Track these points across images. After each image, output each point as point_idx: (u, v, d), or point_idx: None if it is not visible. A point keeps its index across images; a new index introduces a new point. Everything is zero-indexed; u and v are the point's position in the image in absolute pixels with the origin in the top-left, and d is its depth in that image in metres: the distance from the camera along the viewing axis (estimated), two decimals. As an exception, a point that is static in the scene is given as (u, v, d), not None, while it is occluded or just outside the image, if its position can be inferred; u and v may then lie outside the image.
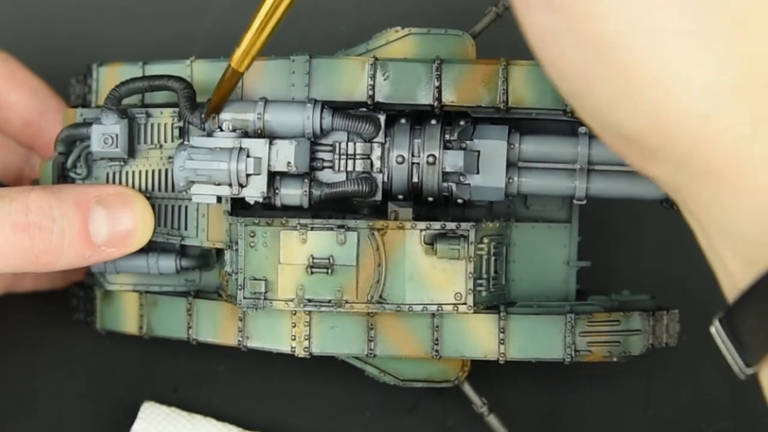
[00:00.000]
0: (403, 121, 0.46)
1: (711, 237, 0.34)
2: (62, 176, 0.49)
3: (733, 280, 0.33)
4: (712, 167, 0.31)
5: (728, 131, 0.30)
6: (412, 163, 0.46)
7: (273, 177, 0.45)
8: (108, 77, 0.50)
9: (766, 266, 0.31)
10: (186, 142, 0.46)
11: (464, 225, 0.45)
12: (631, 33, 0.30)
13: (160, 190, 0.48)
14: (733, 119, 0.30)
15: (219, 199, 0.45)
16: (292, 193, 0.45)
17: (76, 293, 0.54)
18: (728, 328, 0.33)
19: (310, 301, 0.45)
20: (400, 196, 0.46)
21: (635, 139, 0.33)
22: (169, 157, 0.47)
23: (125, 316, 0.51)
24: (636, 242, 0.57)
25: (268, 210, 0.47)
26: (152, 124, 0.48)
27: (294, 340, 0.46)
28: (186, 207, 0.48)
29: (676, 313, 0.49)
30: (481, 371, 0.49)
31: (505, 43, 0.49)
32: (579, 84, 0.33)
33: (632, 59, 0.31)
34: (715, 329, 0.34)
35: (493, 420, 0.49)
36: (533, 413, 0.55)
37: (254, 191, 0.44)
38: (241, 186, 0.44)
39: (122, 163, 0.48)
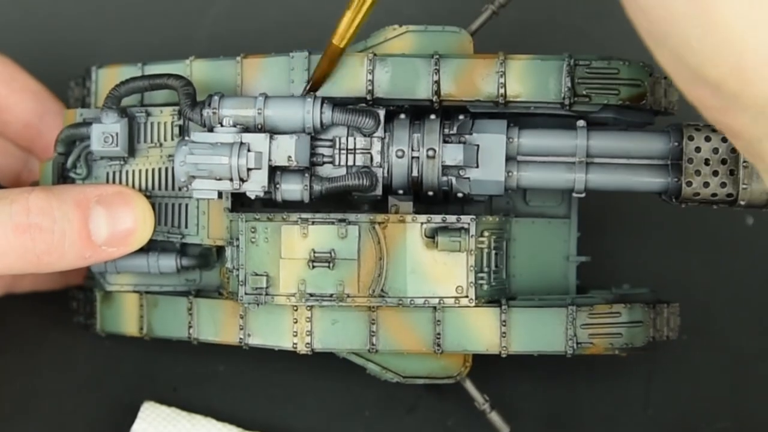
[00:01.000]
0: (402, 116, 0.46)
1: None
2: (62, 176, 0.49)
3: None
4: None
5: None
6: (412, 157, 0.46)
7: (273, 172, 0.45)
8: (107, 79, 0.50)
9: None
10: (187, 138, 0.46)
11: (465, 218, 0.45)
12: None
13: (160, 188, 0.48)
14: None
15: (220, 194, 0.45)
16: (292, 188, 0.45)
17: (76, 296, 0.54)
18: None
19: (311, 295, 0.45)
20: (400, 191, 0.46)
21: (715, 84, 0.32)
22: (169, 156, 0.47)
23: (125, 317, 0.51)
24: (635, 238, 0.57)
25: (268, 207, 0.47)
26: (152, 123, 0.48)
27: (296, 336, 0.46)
28: (186, 205, 0.48)
29: (676, 306, 0.50)
30: (481, 371, 0.49)
31: (502, 40, 0.50)
32: (662, 21, 0.32)
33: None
34: None
35: (494, 417, 0.49)
36: (533, 412, 0.55)
37: (255, 186, 0.44)
38: (242, 181, 0.44)
39: (122, 162, 0.48)
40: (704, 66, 0.31)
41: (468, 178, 0.46)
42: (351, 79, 0.46)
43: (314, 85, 0.45)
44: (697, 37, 0.31)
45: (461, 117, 0.46)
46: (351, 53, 0.46)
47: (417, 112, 0.47)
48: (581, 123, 0.46)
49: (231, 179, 0.44)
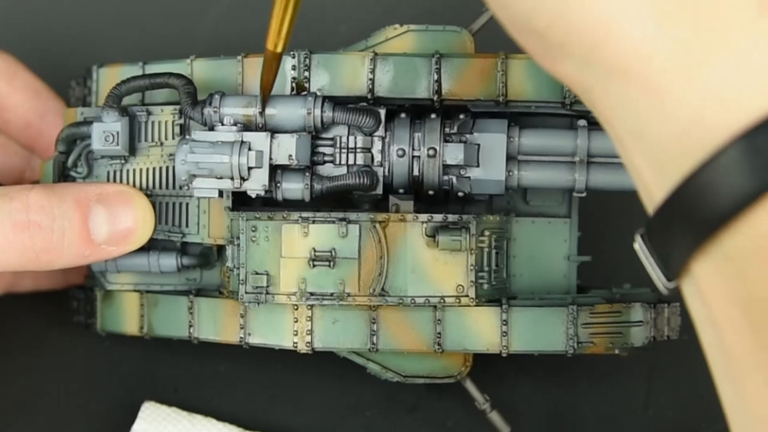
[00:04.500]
0: (403, 115, 0.46)
1: (623, 142, 0.33)
2: (63, 175, 0.49)
3: (649, 191, 0.32)
4: (617, 64, 0.31)
5: (632, 27, 0.30)
6: (413, 157, 0.46)
7: (274, 171, 0.45)
8: (108, 78, 0.50)
9: (679, 177, 0.30)
10: (188, 137, 0.46)
11: (466, 216, 0.45)
12: None
13: (161, 187, 0.48)
14: (638, 15, 0.30)
15: (221, 193, 0.45)
16: (293, 187, 0.45)
17: (76, 296, 0.54)
18: (649, 243, 0.33)
19: (312, 294, 0.45)
20: (401, 190, 0.46)
21: (542, 32, 0.32)
22: (170, 155, 0.48)
23: (126, 317, 0.51)
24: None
25: (269, 205, 0.47)
26: (153, 122, 0.48)
27: (296, 335, 0.46)
28: (187, 204, 0.48)
29: (677, 306, 0.50)
30: (481, 371, 0.49)
31: (503, 39, 0.49)
32: None
33: None
34: (638, 244, 0.33)
35: (495, 417, 0.49)
36: (533, 412, 0.55)
37: (256, 184, 0.44)
38: (243, 179, 0.44)
39: (123, 161, 0.48)
40: (531, 15, 0.32)
41: (469, 177, 0.46)
42: (352, 78, 0.46)
43: (263, 93, 0.45)
44: None
45: (462, 116, 0.46)
46: (352, 52, 0.47)
47: (418, 112, 0.47)
48: (582, 122, 0.46)
49: (232, 178, 0.44)
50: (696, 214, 0.30)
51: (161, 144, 0.48)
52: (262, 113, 0.45)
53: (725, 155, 0.29)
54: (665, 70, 0.30)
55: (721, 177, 0.29)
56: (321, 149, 0.46)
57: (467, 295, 0.45)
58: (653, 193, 0.32)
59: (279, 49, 0.42)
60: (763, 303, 0.29)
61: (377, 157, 0.46)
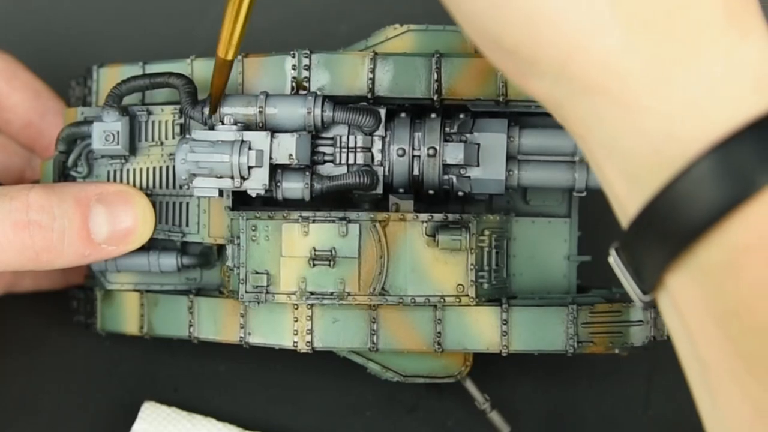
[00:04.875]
0: (403, 114, 0.46)
1: (595, 156, 0.33)
2: (63, 175, 0.49)
3: (622, 204, 0.33)
4: (587, 79, 0.31)
5: (601, 42, 0.30)
6: (413, 156, 0.46)
7: (274, 170, 0.45)
8: (108, 78, 0.50)
9: (652, 190, 0.30)
10: (188, 136, 0.46)
11: (466, 216, 0.45)
12: None
13: (161, 187, 0.48)
14: (606, 30, 0.30)
15: (221, 192, 0.45)
16: (293, 186, 0.45)
17: (77, 295, 0.54)
18: (624, 257, 0.33)
19: (312, 293, 0.45)
20: (401, 189, 0.46)
21: (512, 51, 0.32)
22: (170, 154, 0.48)
23: (126, 316, 0.51)
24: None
25: (269, 204, 0.47)
26: (153, 122, 0.48)
27: (296, 334, 0.46)
28: (187, 203, 0.48)
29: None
30: (481, 371, 0.49)
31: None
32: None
33: None
34: (613, 258, 0.33)
35: (495, 416, 0.49)
36: (533, 413, 0.55)
37: (256, 184, 0.44)
38: (243, 179, 0.44)
39: (123, 161, 0.48)
40: (500, 33, 0.31)
41: (469, 176, 0.46)
42: (352, 77, 0.46)
43: (213, 100, 0.45)
44: (493, 4, 0.31)
45: (462, 116, 0.46)
46: (352, 52, 0.47)
47: (418, 111, 0.47)
48: (582, 122, 0.46)
49: (232, 177, 0.44)
50: (670, 228, 0.30)
51: (161, 143, 0.48)
52: (209, 118, 0.45)
53: (697, 168, 0.29)
54: (635, 84, 0.30)
55: (694, 190, 0.29)
56: (321, 149, 0.46)
57: (467, 295, 0.45)
58: (627, 207, 0.32)
59: (230, 57, 0.42)
60: (736, 315, 0.29)
61: (377, 157, 0.46)
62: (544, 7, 0.30)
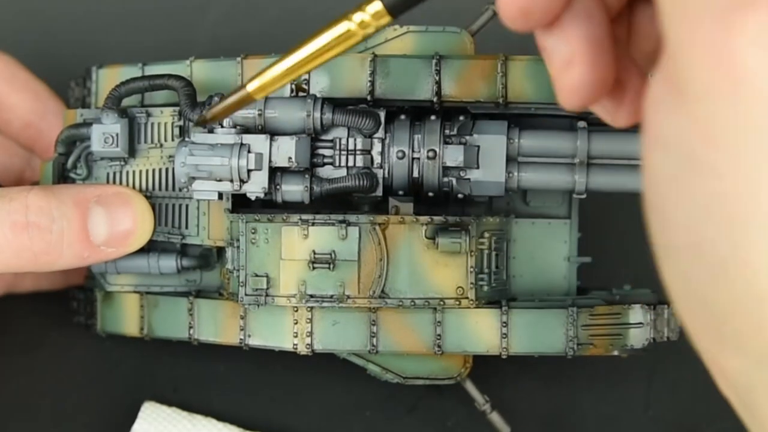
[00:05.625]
0: (402, 116, 0.46)
1: None
2: (62, 177, 0.49)
3: None
4: None
5: None
6: (413, 158, 0.46)
7: (274, 173, 0.45)
8: (107, 79, 0.50)
9: None
10: (187, 139, 0.46)
11: (465, 218, 0.45)
12: (749, 201, 0.26)
13: (160, 189, 0.48)
14: None
15: (220, 195, 0.45)
16: (293, 189, 0.45)
17: (77, 296, 0.54)
18: None
19: (312, 296, 0.45)
20: (401, 192, 0.46)
21: (719, 317, 0.27)
22: (170, 156, 0.47)
23: (126, 317, 0.51)
24: (636, 239, 0.57)
25: (269, 207, 0.47)
26: (152, 124, 0.48)
27: (296, 336, 0.46)
28: (187, 206, 0.48)
29: (677, 307, 0.50)
30: (482, 372, 0.49)
31: (503, 41, 0.49)
32: (679, 240, 0.28)
33: (749, 226, 0.26)
34: None
35: (495, 418, 0.49)
36: (533, 413, 0.55)
37: (255, 187, 0.44)
38: (242, 182, 0.44)
39: (122, 163, 0.48)
40: (713, 295, 0.27)
41: (468, 179, 0.46)
42: (351, 79, 0.46)
43: (212, 119, 0.42)
44: (717, 263, 0.27)
45: (462, 118, 0.46)
46: (352, 54, 0.46)
47: (417, 113, 0.47)
48: (582, 124, 0.46)
49: (231, 180, 0.44)
50: None
51: (161, 146, 0.48)
52: (199, 124, 0.43)
53: None
54: None
55: None
56: (321, 151, 0.46)
57: (467, 297, 0.45)
58: None
59: (258, 98, 0.38)
60: None
61: (377, 159, 0.46)
62: None
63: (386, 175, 0.46)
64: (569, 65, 0.32)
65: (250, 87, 0.37)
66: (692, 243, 0.27)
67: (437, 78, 0.46)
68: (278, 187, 0.45)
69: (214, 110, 0.40)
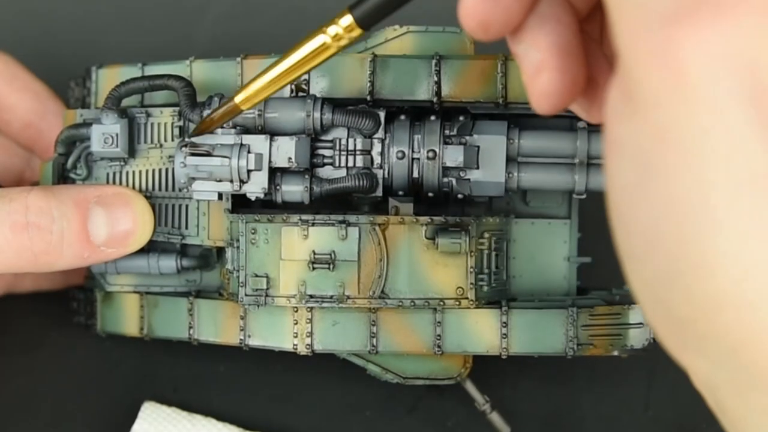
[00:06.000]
0: (402, 117, 0.46)
1: None
2: (62, 177, 0.49)
3: None
4: (763, 374, 0.27)
5: None
6: (413, 159, 0.46)
7: (274, 173, 0.45)
8: (107, 79, 0.50)
9: None
10: (187, 139, 0.46)
11: (465, 218, 0.45)
12: (701, 204, 0.26)
13: (160, 189, 0.48)
14: None
15: (220, 195, 0.45)
16: (293, 189, 0.45)
17: (76, 296, 0.54)
18: None
19: (311, 296, 0.45)
20: (401, 192, 0.46)
21: (681, 321, 0.28)
22: (170, 157, 0.47)
23: (126, 317, 0.51)
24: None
25: (269, 207, 0.47)
26: (152, 124, 0.48)
27: (296, 337, 0.46)
28: (186, 206, 0.48)
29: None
30: (482, 372, 0.49)
31: (503, 41, 0.49)
32: (640, 246, 0.28)
33: (702, 230, 0.26)
34: None
35: (495, 418, 0.49)
36: (533, 413, 0.55)
37: (255, 187, 0.44)
38: (242, 182, 0.44)
39: (122, 163, 0.48)
40: (675, 301, 0.28)
41: (468, 179, 0.46)
42: (351, 80, 0.46)
43: (201, 130, 0.44)
44: (675, 271, 0.27)
45: (462, 118, 0.46)
46: (351, 54, 0.46)
47: (417, 114, 0.47)
48: (582, 124, 0.46)
49: (231, 181, 0.44)
50: None
51: (161, 146, 0.48)
52: (191, 137, 0.44)
53: None
54: None
55: None
56: (320, 151, 0.46)
57: (467, 297, 0.45)
58: None
59: (245, 108, 0.41)
60: None
61: (377, 160, 0.46)
62: (736, 293, 0.26)
63: (386, 176, 0.46)
64: (539, 71, 0.32)
65: (237, 98, 0.40)
66: (652, 249, 0.28)
67: (437, 78, 0.46)
68: (278, 187, 0.45)
69: (206, 124, 0.43)
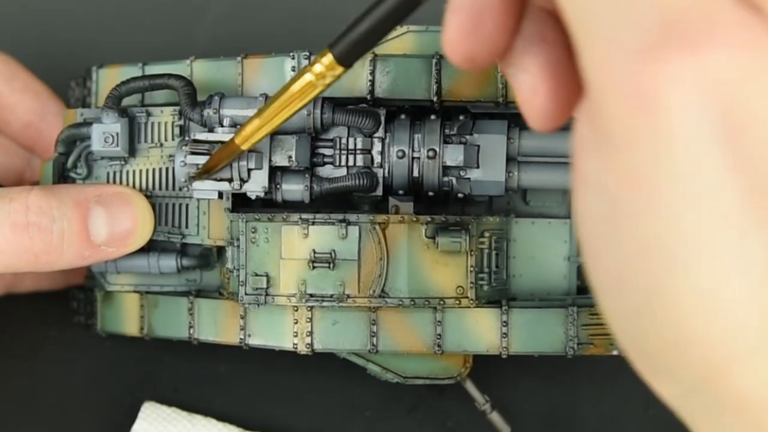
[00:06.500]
0: (402, 116, 0.46)
1: None
2: (62, 176, 0.49)
3: None
4: (731, 402, 0.27)
5: (756, 372, 0.26)
6: (413, 158, 0.46)
7: (274, 172, 0.45)
8: (108, 79, 0.50)
9: None
10: (187, 138, 0.46)
11: (465, 218, 0.45)
12: (672, 248, 0.26)
13: (160, 188, 0.48)
14: (765, 362, 0.26)
15: (220, 194, 0.45)
16: (293, 189, 0.45)
17: (77, 296, 0.54)
18: None
19: (312, 296, 0.45)
20: (401, 191, 0.46)
21: (650, 352, 0.28)
22: (170, 156, 0.48)
23: (126, 317, 0.51)
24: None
25: (269, 206, 0.47)
26: (152, 123, 0.48)
27: (296, 336, 0.46)
28: (187, 205, 0.48)
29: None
30: (482, 371, 0.49)
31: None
32: (610, 281, 0.28)
33: (672, 272, 0.26)
34: None
35: (495, 417, 0.49)
36: (534, 413, 0.55)
37: (256, 186, 0.44)
38: (243, 181, 0.44)
39: (123, 163, 0.48)
40: (640, 334, 0.28)
41: (468, 178, 0.46)
42: (352, 79, 0.46)
43: (205, 172, 0.44)
44: (642, 308, 0.27)
45: (462, 117, 0.46)
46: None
47: (417, 113, 0.47)
48: (582, 123, 0.46)
49: (231, 179, 0.44)
50: None
51: (161, 145, 0.48)
52: (192, 182, 0.44)
53: None
54: None
55: None
56: (321, 150, 0.46)
57: (467, 297, 0.45)
58: None
59: (245, 148, 0.42)
60: None
61: (377, 159, 0.46)
62: (706, 330, 0.26)
63: (386, 175, 0.46)
64: (532, 94, 0.31)
65: (237, 140, 0.41)
66: (621, 286, 0.28)
67: (437, 77, 0.46)
68: (278, 186, 0.45)
69: (207, 165, 0.44)
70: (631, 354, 0.30)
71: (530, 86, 0.31)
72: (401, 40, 0.47)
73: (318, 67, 0.35)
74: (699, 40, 0.24)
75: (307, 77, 0.36)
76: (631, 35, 0.25)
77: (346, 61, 0.35)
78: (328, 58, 0.35)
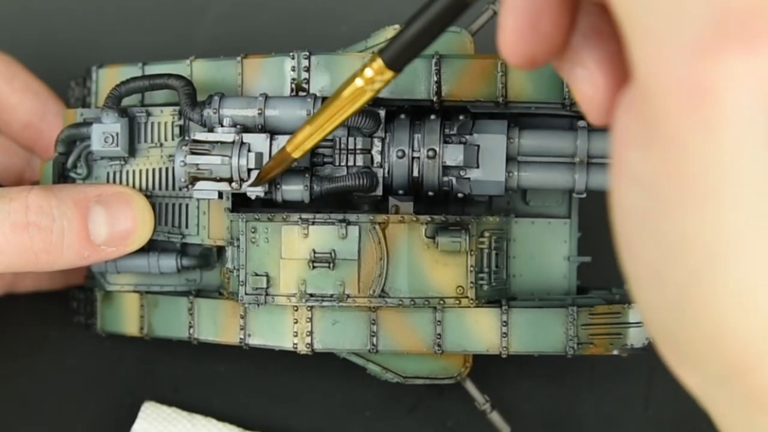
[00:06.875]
0: (402, 116, 0.46)
1: None
2: (62, 176, 0.49)
3: None
4: (759, 397, 0.27)
5: None
6: (413, 158, 0.46)
7: (274, 172, 0.45)
8: (107, 79, 0.50)
9: None
10: (187, 138, 0.46)
11: (465, 218, 0.45)
12: (717, 248, 0.26)
13: (160, 188, 0.48)
14: None
15: (220, 194, 0.45)
16: (293, 188, 0.45)
17: (76, 296, 0.54)
18: None
19: (312, 295, 0.45)
20: (401, 191, 0.46)
21: (681, 342, 0.28)
22: (170, 156, 0.48)
23: (126, 317, 0.51)
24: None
25: (269, 206, 0.47)
26: (152, 123, 0.48)
27: (296, 336, 0.46)
28: (187, 205, 0.48)
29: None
30: (482, 371, 0.49)
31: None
32: (647, 274, 0.29)
33: (712, 269, 0.26)
34: None
35: (495, 417, 0.49)
36: (534, 412, 0.55)
37: (255, 186, 0.44)
38: (243, 181, 0.44)
39: (123, 162, 0.48)
40: (674, 328, 0.28)
41: (468, 178, 0.46)
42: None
43: (260, 180, 0.44)
44: (678, 302, 0.27)
45: (462, 117, 0.46)
46: (352, 53, 0.47)
47: (417, 113, 0.47)
48: (582, 123, 0.46)
49: (231, 179, 0.44)
50: None
51: (161, 145, 0.48)
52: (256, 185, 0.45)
53: None
54: None
55: None
56: (321, 150, 0.46)
57: (467, 296, 0.45)
58: None
59: (296, 156, 0.42)
60: None
61: (377, 159, 0.46)
62: (742, 326, 0.26)
63: (386, 175, 0.46)
64: (593, 88, 0.31)
65: (288, 148, 0.42)
66: (658, 279, 0.28)
67: (437, 77, 0.46)
68: (278, 186, 0.45)
69: (261, 173, 0.44)
70: (659, 341, 0.30)
71: (589, 81, 0.31)
72: (401, 40, 0.47)
73: (368, 72, 0.36)
74: (757, 39, 0.24)
75: (358, 83, 0.37)
76: (687, 30, 0.24)
77: (396, 65, 0.35)
78: (378, 63, 0.35)
